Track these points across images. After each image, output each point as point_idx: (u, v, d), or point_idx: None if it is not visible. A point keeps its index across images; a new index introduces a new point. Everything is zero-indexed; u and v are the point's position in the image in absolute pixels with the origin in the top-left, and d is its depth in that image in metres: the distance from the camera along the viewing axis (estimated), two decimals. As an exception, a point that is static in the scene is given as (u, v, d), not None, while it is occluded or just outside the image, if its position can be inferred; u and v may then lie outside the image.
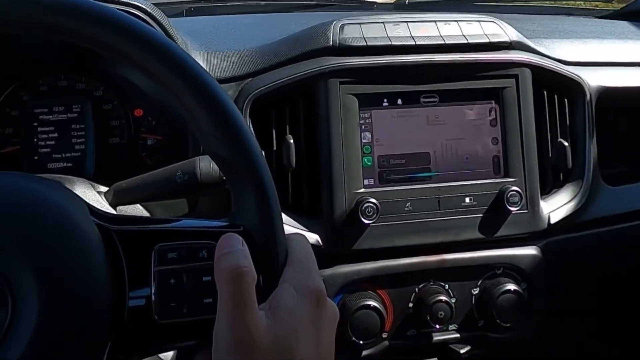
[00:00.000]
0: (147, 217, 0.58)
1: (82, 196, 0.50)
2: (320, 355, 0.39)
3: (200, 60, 0.75)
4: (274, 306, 0.39)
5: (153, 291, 0.41)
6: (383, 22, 0.76)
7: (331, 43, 0.73)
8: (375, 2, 1.30)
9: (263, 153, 0.47)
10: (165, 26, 0.69)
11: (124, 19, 0.42)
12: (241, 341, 0.36)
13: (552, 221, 0.75)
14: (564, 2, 1.35)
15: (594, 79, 0.81)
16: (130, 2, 0.66)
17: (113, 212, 0.58)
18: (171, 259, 0.42)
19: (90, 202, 0.52)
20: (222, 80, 0.74)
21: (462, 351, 0.71)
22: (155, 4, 1.22)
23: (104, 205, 0.58)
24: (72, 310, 0.38)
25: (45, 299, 0.37)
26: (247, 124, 0.69)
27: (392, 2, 1.31)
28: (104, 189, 0.62)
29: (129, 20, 0.42)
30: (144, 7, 0.67)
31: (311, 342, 0.39)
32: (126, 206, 0.63)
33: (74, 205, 0.43)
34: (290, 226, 0.68)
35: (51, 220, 0.40)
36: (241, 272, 0.37)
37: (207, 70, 0.74)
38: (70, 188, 0.55)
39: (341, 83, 0.71)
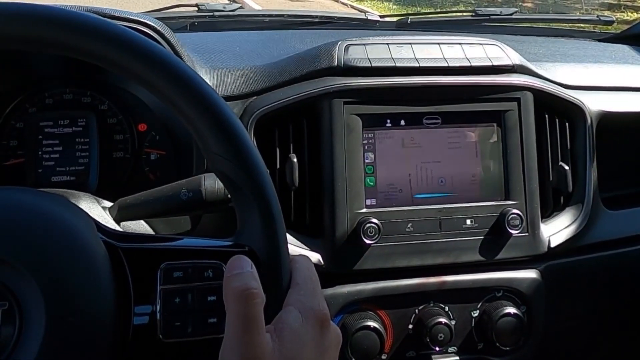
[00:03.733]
0: (153, 235, 0.59)
1: (87, 211, 0.51)
2: None
3: (205, 77, 0.75)
4: (279, 328, 0.39)
5: (158, 310, 0.41)
6: (387, 44, 0.77)
7: (336, 63, 0.74)
8: (377, 21, 1.32)
9: (269, 172, 0.48)
10: (173, 43, 0.69)
11: (132, 37, 0.43)
12: None
13: (552, 245, 0.75)
14: (565, 24, 1.36)
15: (594, 103, 0.82)
16: (139, 19, 0.67)
17: (117, 227, 0.58)
18: (177, 278, 0.43)
19: (95, 218, 0.53)
20: (227, 98, 0.74)
21: (461, 374, 0.71)
22: (159, 19, 1.24)
23: (108, 221, 0.58)
24: (78, 327, 0.38)
25: (52, 315, 0.37)
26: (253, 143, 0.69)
27: (395, 20, 1.33)
28: (108, 204, 0.62)
29: (138, 38, 0.43)
30: (152, 24, 0.68)
31: None
32: (129, 222, 0.63)
33: (82, 221, 0.44)
34: (292, 245, 0.68)
35: (59, 237, 0.41)
36: (250, 293, 0.38)
37: (212, 87, 0.75)
38: (76, 203, 0.56)
39: (345, 103, 0.72)
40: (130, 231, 0.62)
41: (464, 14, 1.33)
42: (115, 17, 0.65)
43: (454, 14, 1.39)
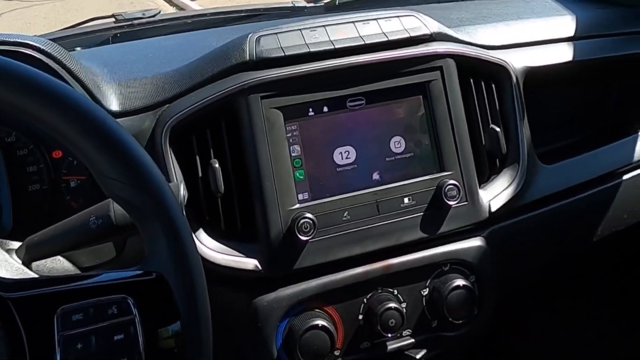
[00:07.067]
0: (49, 278, 0.54)
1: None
2: None
3: (111, 92, 0.71)
4: None
5: None
6: (300, 29, 0.74)
7: (248, 57, 0.70)
8: (305, 7, 1.28)
9: (171, 188, 0.45)
10: (65, 63, 0.65)
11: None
12: None
13: (493, 209, 0.74)
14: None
15: (518, 61, 0.81)
16: (21, 41, 0.62)
17: (26, 270, 0.54)
18: (76, 321, 0.39)
19: (-5, 265, 0.48)
20: (138, 110, 0.70)
21: (417, 356, 0.70)
22: (78, 34, 1.18)
23: (13, 265, 0.53)
24: None
25: None
26: (165, 157, 0.66)
27: (323, 4, 1.30)
28: (16, 245, 0.58)
29: (6, 63, 0.39)
30: (37, 45, 0.63)
31: None
32: (45, 259, 0.59)
33: None
34: (226, 255, 0.66)
35: None
36: None
37: (118, 101, 0.71)
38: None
39: (262, 98, 0.69)
40: (44, 270, 0.58)
41: (394, -13, 1.31)
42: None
43: (383, -11, 1.37)
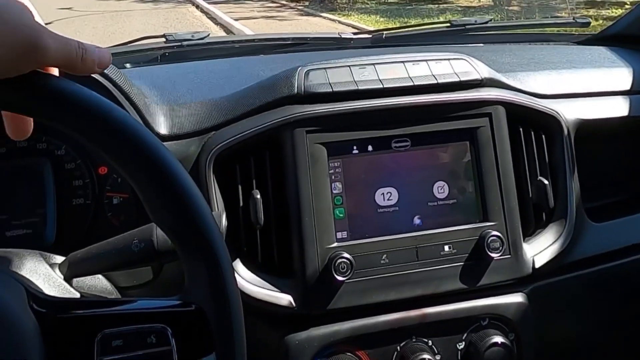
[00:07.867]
0: (92, 300, 0.55)
1: (31, 272, 0.48)
2: None
3: (160, 114, 0.72)
4: None
5: None
6: (349, 66, 0.74)
7: (296, 91, 0.71)
8: (352, 39, 1.30)
9: (216, 219, 0.45)
10: (120, 84, 0.66)
11: (55, 83, 0.40)
12: None
13: (537, 265, 0.71)
14: (542, 29, 1.34)
15: (570, 112, 0.79)
16: None
17: (67, 286, 0.55)
18: (116, 347, 0.39)
19: (40, 278, 0.49)
20: (185, 135, 0.71)
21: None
22: (128, 52, 1.21)
23: (54, 281, 0.54)
24: None
25: None
26: (208, 185, 0.66)
27: (370, 36, 1.31)
28: (59, 259, 0.58)
29: (61, 83, 0.40)
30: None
31: None
32: (86, 277, 0.60)
33: (10, 293, 0.40)
34: (261, 288, 0.65)
35: None
36: None
37: (167, 125, 0.72)
38: (18, 264, 0.52)
39: (308, 132, 0.68)
40: (84, 287, 0.59)
41: (440, 25, 1.31)
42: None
43: (430, 26, 1.38)
